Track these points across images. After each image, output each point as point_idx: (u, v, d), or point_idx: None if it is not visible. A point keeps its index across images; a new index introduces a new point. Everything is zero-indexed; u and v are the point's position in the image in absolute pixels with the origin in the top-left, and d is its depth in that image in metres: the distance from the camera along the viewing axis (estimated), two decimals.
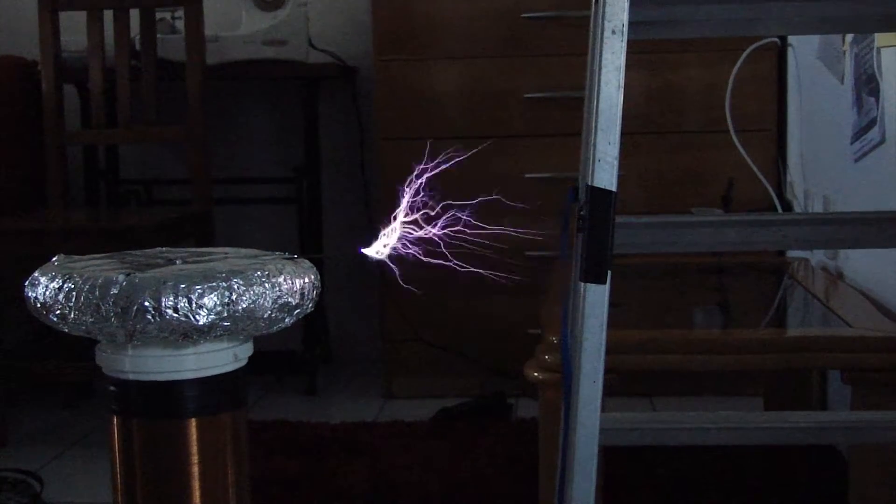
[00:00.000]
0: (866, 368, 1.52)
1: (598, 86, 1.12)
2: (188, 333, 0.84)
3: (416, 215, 0.97)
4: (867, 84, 1.99)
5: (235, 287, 0.85)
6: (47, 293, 0.87)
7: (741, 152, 2.52)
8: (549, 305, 1.81)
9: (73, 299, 0.85)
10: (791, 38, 2.63)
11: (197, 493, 0.88)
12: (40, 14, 2.62)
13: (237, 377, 0.91)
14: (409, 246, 0.95)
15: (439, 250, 0.98)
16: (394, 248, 0.95)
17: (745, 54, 2.56)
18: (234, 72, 2.82)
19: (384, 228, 0.96)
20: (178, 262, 0.90)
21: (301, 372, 2.86)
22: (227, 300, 0.84)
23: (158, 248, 0.98)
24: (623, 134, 1.13)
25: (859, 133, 2.04)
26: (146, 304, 0.83)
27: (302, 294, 0.89)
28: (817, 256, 2.32)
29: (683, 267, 2.26)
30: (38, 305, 0.88)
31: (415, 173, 0.98)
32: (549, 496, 1.57)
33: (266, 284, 0.86)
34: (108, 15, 2.62)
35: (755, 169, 2.53)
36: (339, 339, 3.16)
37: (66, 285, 0.86)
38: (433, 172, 0.99)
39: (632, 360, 1.58)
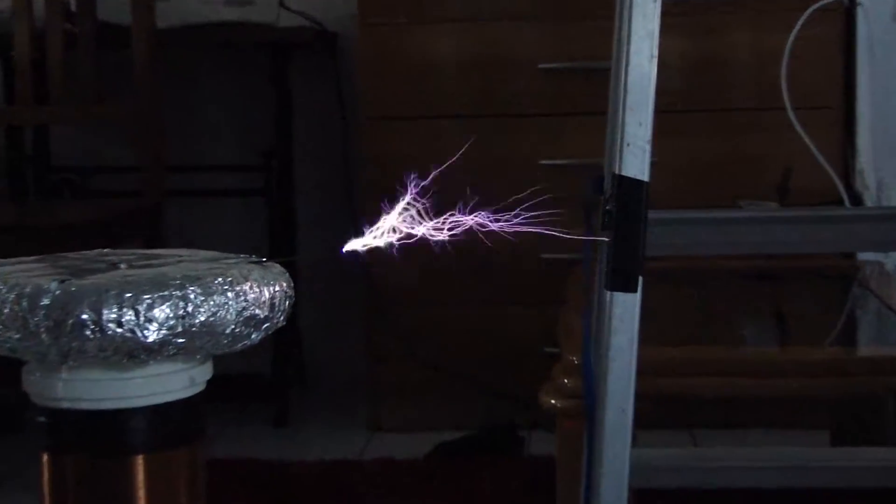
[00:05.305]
0: None
1: (627, 56, 1.12)
2: (135, 352, 0.84)
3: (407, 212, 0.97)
4: None
5: (192, 296, 0.85)
6: None
7: (800, 134, 2.53)
8: (569, 318, 1.82)
9: None
10: None
11: None
12: None
13: (194, 405, 0.91)
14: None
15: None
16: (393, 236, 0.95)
17: (805, 15, 2.57)
18: (191, 37, 2.83)
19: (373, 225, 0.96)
20: (122, 266, 0.90)
21: (270, 399, 2.86)
22: (181, 312, 0.84)
23: (99, 250, 0.98)
24: (656, 113, 1.13)
25: None
26: (84, 317, 0.83)
27: (271, 305, 0.90)
28: (893, 259, 2.32)
29: (727, 272, 2.26)
30: None
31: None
32: None
33: (229, 293, 0.87)
34: None
35: (817, 154, 2.54)
36: (316, 359, 3.17)
37: None
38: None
39: (668, 383, 1.58)
